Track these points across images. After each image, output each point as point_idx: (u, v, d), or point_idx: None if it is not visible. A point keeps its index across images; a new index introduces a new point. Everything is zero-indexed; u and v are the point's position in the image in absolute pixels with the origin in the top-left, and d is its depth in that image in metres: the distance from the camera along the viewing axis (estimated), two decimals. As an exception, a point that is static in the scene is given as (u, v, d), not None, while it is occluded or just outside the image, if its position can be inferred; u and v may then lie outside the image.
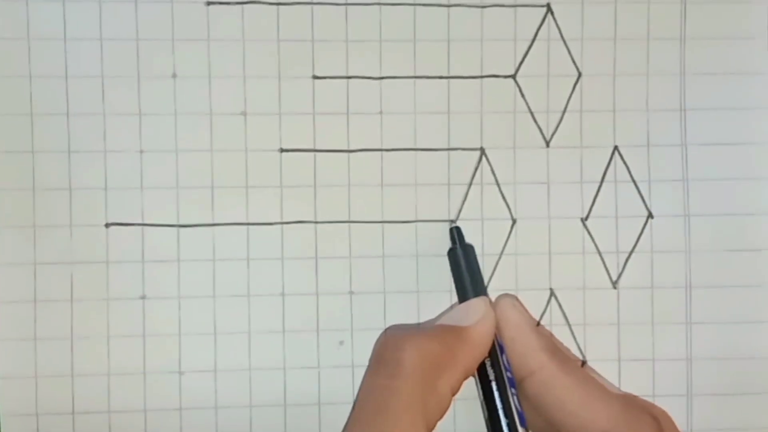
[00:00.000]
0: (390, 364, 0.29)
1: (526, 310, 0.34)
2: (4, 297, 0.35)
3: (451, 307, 0.33)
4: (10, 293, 0.35)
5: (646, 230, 0.36)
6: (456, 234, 0.35)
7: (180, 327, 0.35)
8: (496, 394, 0.31)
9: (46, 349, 0.35)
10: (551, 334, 0.34)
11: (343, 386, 0.35)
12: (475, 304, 0.32)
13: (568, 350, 0.33)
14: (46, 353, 0.35)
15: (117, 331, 0.35)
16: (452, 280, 0.34)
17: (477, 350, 0.31)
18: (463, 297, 0.33)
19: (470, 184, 0.36)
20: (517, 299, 0.34)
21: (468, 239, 0.36)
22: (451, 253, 0.34)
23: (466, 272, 0.34)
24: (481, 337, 0.31)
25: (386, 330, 0.33)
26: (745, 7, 0.36)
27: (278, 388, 0.35)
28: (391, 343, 0.30)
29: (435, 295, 0.36)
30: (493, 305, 0.33)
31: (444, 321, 0.32)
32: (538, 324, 0.33)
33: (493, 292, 0.36)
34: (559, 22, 0.36)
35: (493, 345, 0.32)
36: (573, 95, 0.36)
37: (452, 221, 0.36)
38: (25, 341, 0.35)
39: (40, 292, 0.35)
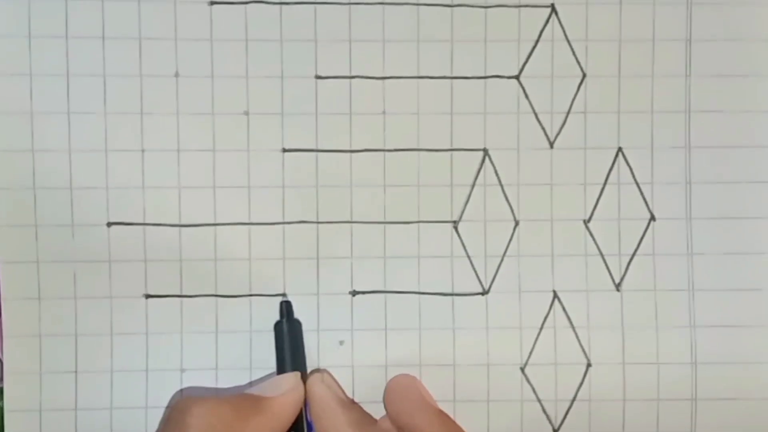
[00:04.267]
0: (176, 426, 0.30)
1: (337, 384, 0.34)
2: (8, 294, 0.35)
3: (267, 377, 0.34)
4: (14, 291, 0.35)
5: (648, 233, 0.36)
6: (285, 308, 0.35)
7: (182, 325, 0.35)
8: None
9: (49, 346, 0.35)
10: (361, 408, 0.34)
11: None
12: (286, 377, 0.33)
13: (377, 422, 0.33)
14: (50, 350, 0.35)
15: (119, 329, 0.35)
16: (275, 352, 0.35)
17: (275, 422, 0.32)
18: (281, 370, 0.34)
19: (473, 185, 0.36)
20: (328, 374, 0.34)
21: (471, 241, 0.36)
22: (278, 326, 0.35)
23: (288, 347, 0.34)
24: (282, 409, 0.32)
25: (181, 391, 0.34)
26: (751, 9, 0.36)
27: (278, 387, 0.35)
28: (181, 406, 0.31)
29: (436, 296, 0.36)
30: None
31: (251, 390, 0.33)
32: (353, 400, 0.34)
33: (495, 294, 0.36)
34: (563, 23, 0.36)
35: (300, 421, 0.33)
36: (577, 96, 0.36)
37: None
38: (30, 338, 0.35)
39: (44, 291, 0.35)
